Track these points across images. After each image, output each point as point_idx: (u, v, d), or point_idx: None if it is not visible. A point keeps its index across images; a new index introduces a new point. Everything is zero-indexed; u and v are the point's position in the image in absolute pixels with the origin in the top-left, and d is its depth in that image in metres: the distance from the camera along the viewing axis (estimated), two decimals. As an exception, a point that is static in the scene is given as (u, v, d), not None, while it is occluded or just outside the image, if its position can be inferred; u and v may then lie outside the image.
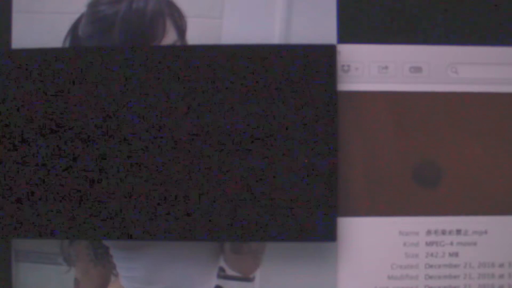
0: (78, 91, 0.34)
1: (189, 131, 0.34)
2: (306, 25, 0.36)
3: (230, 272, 0.37)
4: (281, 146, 0.34)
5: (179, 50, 0.35)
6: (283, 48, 0.34)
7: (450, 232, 0.36)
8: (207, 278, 0.37)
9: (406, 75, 0.36)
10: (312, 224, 0.34)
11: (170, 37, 0.36)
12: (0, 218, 0.34)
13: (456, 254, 0.36)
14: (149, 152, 0.34)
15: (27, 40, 0.36)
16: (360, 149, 0.36)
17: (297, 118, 0.34)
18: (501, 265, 0.36)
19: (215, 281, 0.37)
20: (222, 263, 0.37)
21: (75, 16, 0.36)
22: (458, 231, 0.36)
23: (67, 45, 0.36)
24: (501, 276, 0.36)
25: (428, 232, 0.36)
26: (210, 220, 0.34)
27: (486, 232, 0.36)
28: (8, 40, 0.36)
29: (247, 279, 0.37)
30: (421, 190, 0.36)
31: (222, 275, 0.37)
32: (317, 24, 0.36)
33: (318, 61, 0.34)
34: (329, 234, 0.34)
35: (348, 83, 0.36)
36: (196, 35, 0.36)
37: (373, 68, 0.36)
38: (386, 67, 0.36)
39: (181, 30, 0.36)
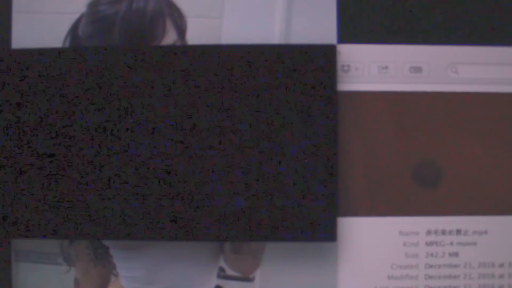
0: (78, 91, 0.34)
1: (189, 131, 0.34)
2: (306, 25, 0.36)
3: (230, 272, 0.37)
4: (281, 146, 0.34)
5: (179, 50, 0.35)
6: (283, 48, 0.34)
7: (450, 232, 0.36)
8: (207, 278, 0.37)
9: (406, 75, 0.36)
10: (312, 224, 0.34)
11: (170, 37, 0.36)
12: (0, 218, 0.34)
13: (456, 254, 0.36)
14: (149, 152, 0.34)
15: (27, 40, 0.36)
16: (360, 149, 0.36)
17: (297, 118, 0.34)
18: (501, 265, 0.36)
19: (215, 281, 0.37)
20: (222, 263, 0.37)
21: (75, 16, 0.36)
22: (458, 231, 0.36)
23: (67, 45, 0.36)
24: (501, 276, 0.36)
25: (428, 232, 0.36)
26: (210, 220, 0.34)
27: (486, 232, 0.36)
28: (8, 40, 0.36)
29: (247, 279, 0.37)
30: (421, 190, 0.36)
31: (222, 275, 0.37)
32: (317, 24, 0.36)
33: (318, 61, 0.34)
34: (329, 234, 0.34)
35: (348, 83, 0.36)
36: (196, 35, 0.36)
37: (373, 68, 0.36)
38: (386, 67, 0.36)
39: (181, 30, 0.36)
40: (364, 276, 0.36)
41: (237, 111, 0.34)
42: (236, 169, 0.34)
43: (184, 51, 0.35)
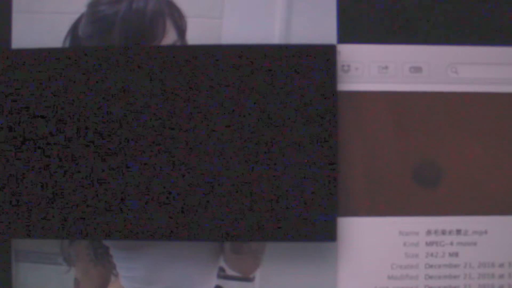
0: (78, 91, 0.34)
1: (189, 130, 0.34)
2: (306, 25, 0.36)
3: (230, 272, 0.37)
4: (281, 146, 0.34)
5: (179, 50, 0.35)
6: (283, 48, 0.34)
7: (450, 232, 0.36)
8: (207, 278, 0.37)
9: (406, 75, 0.36)
10: (312, 224, 0.34)
11: (170, 37, 0.36)
12: (0, 218, 0.34)
13: (456, 254, 0.36)
14: (149, 152, 0.34)
15: (27, 40, 0.36)
16: (360, 149, 0.36)
17: (297, 118, 0.34)
18: (501, 265, 0.36)
19: (215, 281, 0.37)
20: (222, 263, 0.37)
21: (75, 16, 0.36)
22: (458, 231, 0.36)
23: (67, 45, 0.36)
24: (501, 276, 0.36)
25: (428, 232, 0.36)
26: (210, 220, 0.34)
27: (486, 232, 0.36)
28: (8, 40, 0.36)
29: (247, 279, 0.37)
30: (421, 190, 0.36)
31: (222, 275, 0.37)
32: (317, 24, 0.36)
33: (318, 61, 0.34)
34: (329, 234, 0.34)
35: (348, 83, 0.36)
36: (196, 35, 0.36)
37: (373, 68, 0.36)
38: (386, 67, 0.36)
39: (181, 30, 0.36)
40: (364, 276, 0.36)
41: (237, 111, 0.34)
42: (235, 168, 0.34)
43: (184, 51, 0.35)
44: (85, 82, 0.34)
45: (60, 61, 0.34)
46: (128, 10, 0.36)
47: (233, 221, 0.34)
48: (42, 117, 0.34)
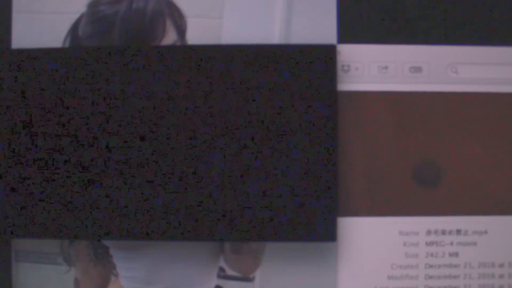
0: (78, 91, 0.34)
1: (189, 130, 0.34)
2: (306, 25, 0.36)
3: (230, 272, 0.37)
4: (281, 146, 0.34)
5: (179, 50, 0.35)
6: (283, 48, 0.34)
7: (450, 232, 0.36)
8: (207, 278, 0.37)
9: (406, 75, 0.36)
10: (312, 224, 0.34)
11: (170, 37, 0.36)
12: (0, 218, 0.34)
13: (456, 254, 0.36)
14: (149, 152, 0.34)
15: (27, 40, 0.36)
16: (360, 149, 0.36)
17: (297, 118, 0.34)
18: (501, 265, 0.36)
19: (215, 281, 0.37)
20: (222, 263, 0.37)
21: (75, 16, 0.36)
22: (458, 231, 0.36)
23: (67, 45, 0.36)
24: (501, 276, 0.36)
25: (428, 232, 0.36)
26: (210, 220, 0.34)
27: (486, 232, 0.36)
28: (8, 40, 0.36)
29: (247, 279, 0.37)
30: (421, 190, 0.36)
31: (222, 275, 0.37)
32: (317, 24, 0.36)
33: (318, 61, 0.34)
34: (329, 234, 0.34)
35: (348, 83, 0.36)
36: (196, 35, 0.36)
37: (373, 68, 0.36)
38: (386, 67, 0.36)
39: (181, 30, 0.36)
40: (364, 276, 0.36)
41: (237, 111, 0.34)
42: (236, 169, 0.34)
43: (184, 51, 0.35)
44: (85, 82, 0.34)
45: (60, 61, 0.34)
46: (128, 10, 0.36)
47: (233, 221, 0.34)
48: (42, 117, 0.34)
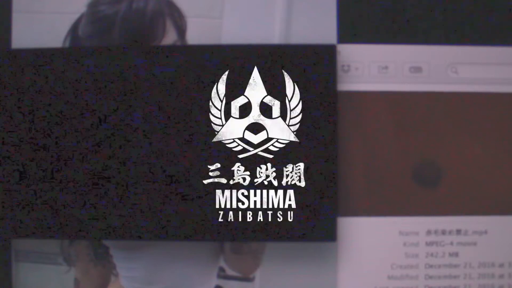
0: (77, 91, 0.34)
1: (189, 130, 0.34)
2: (306, 25, 0.36)
3: (230, 272, 0.37)
4: (281, 146, 0.34)
5: (179, 50, 0.35)
6: (283, 48, 0.34)
7: (450, 232, 0.36)
8: (207, 278, 0.37)
9: (406, 75, 0.36)
10: (312, 224, 0.34)
11: (170, 37, 0.36)
12: (0, 218, 0.34)
13: (456, 254, 0.36)
14: (149, 152, 0.34)
15: (27, 40, 0.36)
16: (360, 149, 0.36)
17: (297, 118, 0.34)
18: (501, 265, 0.36)
19: (215, 281, 0.37)
20: (222, 263, 0.37)
21: (75, 16, 0.36)
22: (458, 231, 0.36)
23: (67, 45, 0.36)
24: (501, 276, 0.36)
25: (428, 232, 0.36)
26: (210, 220, 0.34)
27: (486, 232, 0.36)
28: (8, 40, 0.36)
29: (247, 279, 0.37)
30: (421, 190, 0.36)
31: (222, 275, 0.37)
32: (317, 24, 0.36)
33: (318, 61, 0.34)
34: (329, 234, 0.34)
35: (348, 83, 0.36)
36: (196, 35, 0.36)
37: (373, 68, 0.36)
38: (386, 67, 0.36)
39: (181, 30, 0.36)
40: (364, 276, 0.36)
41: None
42: (235, 168, 0.34)
43: (184, 51, 0.35)
44: (85, 82, 0.34)
45: (60, 61, 0.34)
46: (128, 10, 0.36)
47: (233, 221, 0.34)
48: (42, 117, 0.34)
